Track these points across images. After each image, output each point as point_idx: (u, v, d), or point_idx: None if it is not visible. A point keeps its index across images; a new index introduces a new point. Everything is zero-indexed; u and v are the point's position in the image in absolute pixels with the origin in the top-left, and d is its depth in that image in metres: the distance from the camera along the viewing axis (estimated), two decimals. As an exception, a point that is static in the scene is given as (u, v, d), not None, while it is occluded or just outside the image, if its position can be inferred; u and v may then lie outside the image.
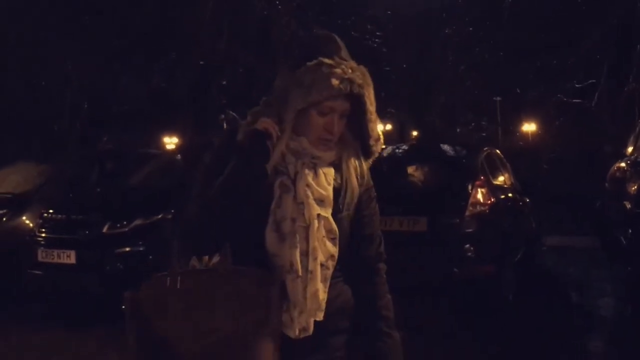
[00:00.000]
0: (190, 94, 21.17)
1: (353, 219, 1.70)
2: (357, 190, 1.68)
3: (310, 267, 1.56)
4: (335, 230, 1.61)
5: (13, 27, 23.43)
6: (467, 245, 5.27)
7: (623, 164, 6.50)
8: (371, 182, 1.77)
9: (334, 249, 1.60)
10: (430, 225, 5.30)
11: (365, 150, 1.70)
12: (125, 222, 5.70)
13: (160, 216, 5.89)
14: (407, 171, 6.11)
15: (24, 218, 7.06)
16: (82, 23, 23.69)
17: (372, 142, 1.68)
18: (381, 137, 1.71)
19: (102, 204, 6.42)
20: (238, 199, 1.54)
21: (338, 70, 1.54)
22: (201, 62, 20.58)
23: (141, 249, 5.68)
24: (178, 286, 1.43)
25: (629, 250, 5.64)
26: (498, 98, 23.57)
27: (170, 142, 27.42)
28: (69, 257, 5.64)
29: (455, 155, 6.21)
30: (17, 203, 7.22)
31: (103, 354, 4.72)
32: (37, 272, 5.91)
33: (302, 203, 1.57)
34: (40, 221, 6.20)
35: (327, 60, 1.55)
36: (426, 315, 5.56)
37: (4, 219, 6.98)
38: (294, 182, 1.59)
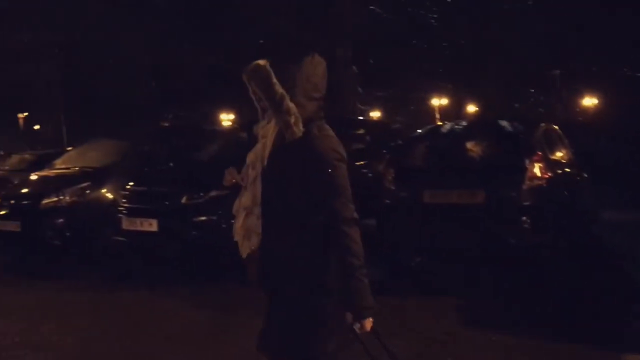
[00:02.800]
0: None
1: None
2: (268, 149, 2.31)
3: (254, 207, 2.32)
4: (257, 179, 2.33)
5: (82, 10, 24.45)
6: (524, 218, 5.48)
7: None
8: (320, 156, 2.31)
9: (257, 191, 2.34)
10: (487, 197, 5.53)
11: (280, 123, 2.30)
12: (201, 194, 6.16)
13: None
14: (465, 146, 6.33)
15: (104, 190, 7.69)
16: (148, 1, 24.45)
17: (270, 111, 2.28)
18: (281, 107, 2.24)
19: (177, 177, 6.92)
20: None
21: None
22: (260, 41, 20.95)
23: (215, 217, 6.14)
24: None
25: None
26: (557, 71, 23.02)
27: (227, 118, 28.29)
28: (151, 225, 6.17)
29: (513, 131, 6.36)
30: (98, 176, 7.86)
31: (181, 309, 5.25)
32: (121, 238, 6.49)
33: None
34: (123, 193, 6.76)
35: None
36: (482, 282, 5.85)
37: (87, 191, 7.62)
38: None
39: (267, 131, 2.30)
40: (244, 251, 2.35)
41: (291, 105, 2.22)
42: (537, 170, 5.52)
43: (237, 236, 2.37)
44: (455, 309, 5.04)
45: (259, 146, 2.33)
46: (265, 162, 2.29)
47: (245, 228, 2.34)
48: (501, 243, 5.55)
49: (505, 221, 5.51)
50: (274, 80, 2.23)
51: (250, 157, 2.38)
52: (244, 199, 2.34)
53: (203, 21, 24.33)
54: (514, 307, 5.06)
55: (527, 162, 5.55)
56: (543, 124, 6.71)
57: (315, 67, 2.30)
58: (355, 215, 2.23)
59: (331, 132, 2.30)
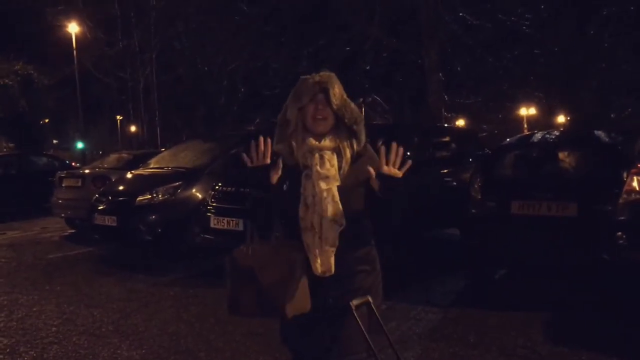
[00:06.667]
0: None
1: (368, 187, 2.34)
2: (348, 164, 2.35)
3: (323, 224, 2.27)
4: (336, 196, 2.29)
5: (178, 14, 25.53)
6: (619, 233, 5.19)
7: None
8: (376, 157, 2.37)
9: (337, 208, 2.28)
10: (580, 211, 5.29)
11: (354, 134, 2.37)
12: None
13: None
14: (557, 157, 6.09)
15: (194, 190, 8.00)
16: (238, 7, 25.23)
17: (348, 123, 2.35)
18: (358, 118, 2.37)
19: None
20: (276, 190, 2.33)
21: (310, 79, 2.36)
22: (347, 48, 21.09)
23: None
24: (250, 253, 2.30)
25: None
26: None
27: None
28: (238, 225, 6.33)
29: (610, 142, 6.04)
30: (190, 176, 8.18)
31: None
32: (209, 236, 6.70)
33: (314, 184, 2.30)
34: (212, 192, 6.99)
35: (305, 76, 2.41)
36: (569, 297, 5.62)
37: (179, 190, 7.95)
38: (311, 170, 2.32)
39: (325, 146, 2.34)
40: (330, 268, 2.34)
41: None
42: (635, 183, 5.21)
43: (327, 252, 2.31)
44: (540, 324, 4.85)
45: (316, 161, 2.32)
46: (345, 175, 2.35)
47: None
48: (593, 259, 5.29)
49: (599, 236, 5.25)
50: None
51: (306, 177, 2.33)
52: (315, 217, 2.29)
53: (291, 28, 24.80)
54: (604, 324, 4.81)
55: (624, 174, 5.26)
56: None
57: None
58: None
59: None
